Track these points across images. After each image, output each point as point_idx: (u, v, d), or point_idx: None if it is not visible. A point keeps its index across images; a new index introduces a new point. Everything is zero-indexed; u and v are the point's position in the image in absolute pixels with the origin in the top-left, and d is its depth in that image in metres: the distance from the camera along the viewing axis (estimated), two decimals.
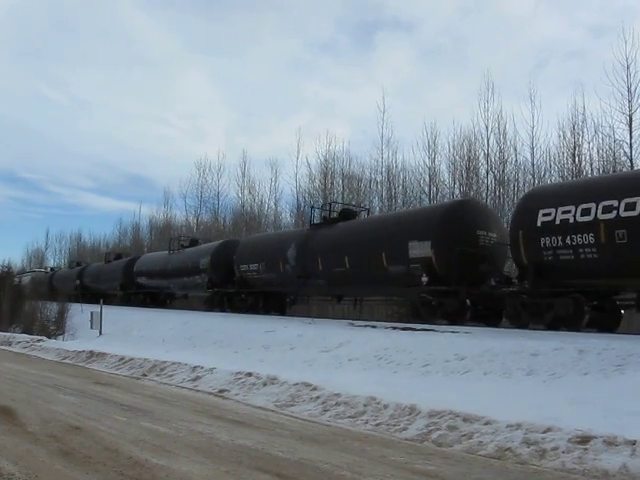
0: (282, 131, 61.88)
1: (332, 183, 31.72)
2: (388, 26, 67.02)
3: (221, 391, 9.03)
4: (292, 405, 7.74)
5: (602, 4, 46.52)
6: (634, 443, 4.84)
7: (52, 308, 25.26)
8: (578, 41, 46.82)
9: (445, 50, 56.95)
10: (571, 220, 11.19)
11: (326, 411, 7.25)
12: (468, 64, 50.84)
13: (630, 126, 20.28)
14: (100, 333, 19.87)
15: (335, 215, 18.84)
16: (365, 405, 7.07)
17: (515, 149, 24.87)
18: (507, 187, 23.93)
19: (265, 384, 8.80)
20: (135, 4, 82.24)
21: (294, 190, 33.42)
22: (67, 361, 14.16)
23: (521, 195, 18.41)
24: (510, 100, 45.99)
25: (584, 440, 5.07)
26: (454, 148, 26.62)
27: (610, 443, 4.94)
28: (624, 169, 19.59)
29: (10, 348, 17.89)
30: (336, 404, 7.36)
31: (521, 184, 24.44)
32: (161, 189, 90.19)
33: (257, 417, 7.10)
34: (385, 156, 29.32)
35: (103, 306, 20.90)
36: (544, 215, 11.71)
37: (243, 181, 37.96)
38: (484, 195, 24.80)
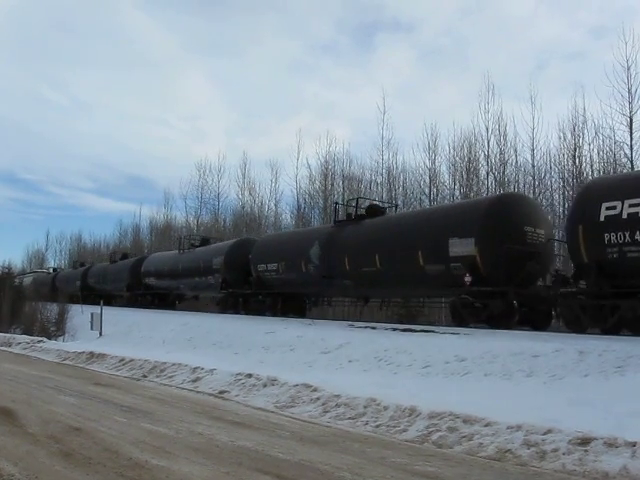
0: (282, 132, 62.04)
1: (332, 184, 31.78)
2: (388, 27, 67.30)
3: (221, 392, 9.02)
4: (292, 406, 7.74)
5: (602, 5, 46.71)
6: (634, 445, 4.83)
7: (52, 309, 25.24)
8: (578, 42, 47.03)
9: (445, 51, 57.14)
10: None
11: (326, 412, 7.24)
12: (468, 65, 51.03)
13: (630, 128, 20.37)
14: (100, 334, 19.88)
15: (362, 212, 17.92)
16: (365, 406, 7.06)
17: (515, 150, 25.00)
18: (507, 188, 23.91)
19: (265, 385, 8.79)
20: (135, 4, 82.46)
21: (294, 191, 33.55)
22: (67, 362, 14.13)
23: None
24: (510, 101, 46.23)
25: (584, 442, 5.06)
26: (454, 149, 26.74)
27: (610, 445, 4.93)
28: (624, 171, 19.59)
29: (10, 349, 17.85)
30: (336, 405, 7.35)
31: (521, 185, 24.52)
32: (161, 190, 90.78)
33: (257, 418, 7.10)
34: (385, 157, 29.48)
35: (104, 307, 20.91)
36: (608, 209, 10.79)
37: (243, 182, 38.13)
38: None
